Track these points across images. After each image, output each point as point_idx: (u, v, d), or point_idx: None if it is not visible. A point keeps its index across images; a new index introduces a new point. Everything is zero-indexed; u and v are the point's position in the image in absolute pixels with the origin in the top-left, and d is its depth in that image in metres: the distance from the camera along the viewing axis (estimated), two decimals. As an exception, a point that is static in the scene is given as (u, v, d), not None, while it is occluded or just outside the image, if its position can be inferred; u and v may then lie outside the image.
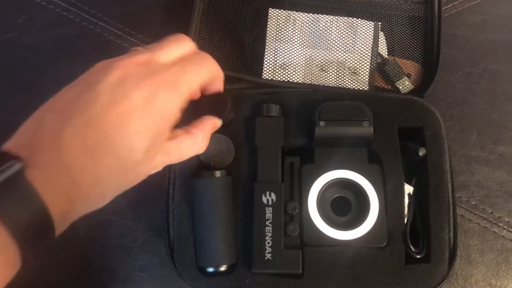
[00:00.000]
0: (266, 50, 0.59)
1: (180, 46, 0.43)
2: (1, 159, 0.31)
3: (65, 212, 0.34)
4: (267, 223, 0.49)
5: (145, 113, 0.37)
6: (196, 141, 0.43)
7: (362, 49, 0.59)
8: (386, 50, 0.60)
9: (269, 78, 0.58)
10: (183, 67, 0.41)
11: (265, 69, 0.58)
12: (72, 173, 0.34)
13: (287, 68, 0.59)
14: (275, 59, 0.59)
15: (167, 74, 0.39)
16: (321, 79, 0.58)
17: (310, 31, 0.60)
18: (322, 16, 0.60)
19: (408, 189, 0.52)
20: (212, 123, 0.46)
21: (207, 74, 0.43)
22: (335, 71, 0.59)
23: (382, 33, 0.60)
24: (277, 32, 0.60)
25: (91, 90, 0.36)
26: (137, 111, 0.37)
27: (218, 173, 0.50)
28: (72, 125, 0.35)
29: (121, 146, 0.36)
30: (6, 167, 0.31)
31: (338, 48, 0.59)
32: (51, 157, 0.34)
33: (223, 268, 0.49)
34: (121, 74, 0.37)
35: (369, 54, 0.59)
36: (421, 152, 0.52)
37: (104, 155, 0.36)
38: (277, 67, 0.59)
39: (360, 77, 0.58)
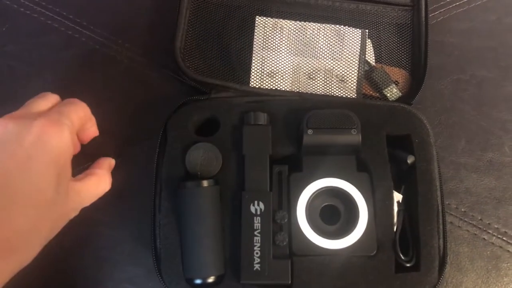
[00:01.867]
0: (253, 58, 0.59)
1: (47, 99, 0.46)
2: None
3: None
4: (255, 233, 0.49)
5: (41, 154, 0.39)
6: (100, 179, 0.48)
7: (349, 56, 0.59)
8: (374, 57, 0.60)
9: (257, 86, 0.58)
10: (58, 108, 0.45)
11: (252, 77, 0.58)
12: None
13: (274, 76, 0.58)
14: (263, 67, 0.58)
15: (48, 116, 0.42)
16: (308, 87, 0.58)
17: (298, 39, 0.60)
18: (309, 24, 0.60)
19: (397, 197, 0.52)
20: (108, 162, 0.51)
21: (81, 111, 0.47)
22: (323, 79, 0.58)
23: (369, 40, 0.60)
24: (265, 40, 0.59)
25: None
26: (32, 154, 0.39)
27: (205, 183, 0.49)
28: None
29: (29, 190, 0.38)
30: None
31: (325, 56, 0.59)
32: None
33: (211, 279, 0.48)
34: (4, 129, 0.40)
35: (356, 61, 0.59)
36: (410, 159, 0.52)
37: (15, 203, 0.37)
38: (265, 75, 0.58)
39: (347, 85, 0.58)
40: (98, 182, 0.48)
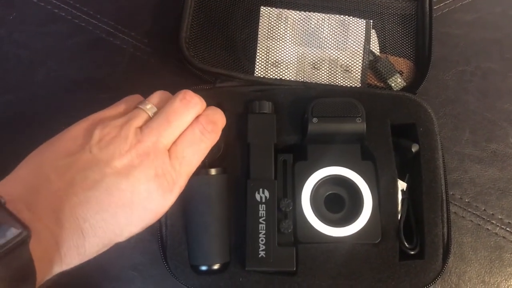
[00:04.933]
0: (258, 48, 0.59)
1: (186, 116, 0.43)
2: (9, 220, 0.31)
3: (44, 277, 0.36)
4: (260, 220, 0.49)
5: (142, 209, 0.39)
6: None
7: (354, 46, 0.59)
8: (378, 47, 0.60)
9: (261, 76, 0.58)
10: (185, 158, 0.42)
11: (257, 67, 0.58)
12: (62, 248, 0.36)
13: (279, 66, 0.58)
14: (267, 57, 0.59)
15: (170, 171, 0.40)
16: (313, 76, 0.58)
17: (302, 29, 0.60)
18: (314, 14, 0.60)
19: (402, 185, 0.52)
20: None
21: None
22: (327, 68, 0.59)
23: (374, 31, 0.60)
24: (269, 30, 0.59)
25: (96, 168, 0.37)
26: (134, 204, 0.38)
27: (213, 171, 0.49)
28: (74, 201, 0.36)
29: (112, 232, 0.38)
30: (14, 235, 0.31)
31: (330, 46, 0.59)
32: (50, 228, 0.35)
33: (216, 266, 0.49)
34: (129, 161, 0.38)
35: (361, 51, 0.59)
36: (414, 148, 0.52)
37: (94, 237, 0.37)
38: (269, 65, 0.58)
39: (352, 75, 0.58)
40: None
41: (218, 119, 0.46)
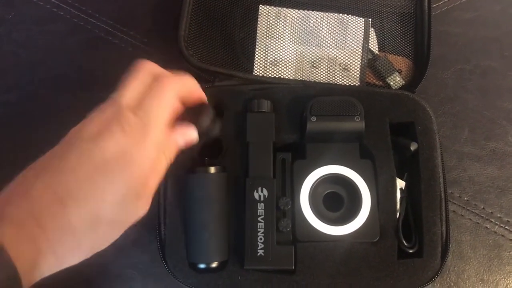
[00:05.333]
0: (257, 46, 0.59)
1: (142, 78, 0.42)
2: None
3: (34, 264, 0.34)
4: (259, 219, 0.49)
5: (118, 168, 0.37)
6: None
7: (353, 45, 0.59)
8: (377, 46, 0.60)
9: (260, 75, 0.58)
10: (148, 107, 0.40)
11: (256, 65, 0.58)
12: (42, 221, 0.34)
13: (278, 64, 0.58)
14: (266, 56, 0.59)
15: (137, 123, 0.39)
16: (312, 75, 0.58)
17: (301, 28, 0.60)
18: (313, 13, 0.60)
19: (400, 184, 0.52)
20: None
21: (178, 93, 0.43)
22: (326, 67, 0.59)
23: (372, 29, 0.60)
24: (268, 29, 0.59)
25: (67, 147, 0.37)
26: (110, 165, 0.37)
27: (212, 169, 0.50)
28: (46, 177, 0.35)
29: (92, 197, 0.36)
30: None
31: (329, 45, 0.59)
32: (22, 207, 0.34)
33: (214, 264, 0.49)
34: (96, 129, 0.38)
35: (359, 50, 0.59)
36: (413, 146, 0.52)
37: (75, 203, 0.36)
38: (268, 64, 0.58)
39: (351, 73, 0.58)
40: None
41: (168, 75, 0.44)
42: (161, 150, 0.40)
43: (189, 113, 0.44)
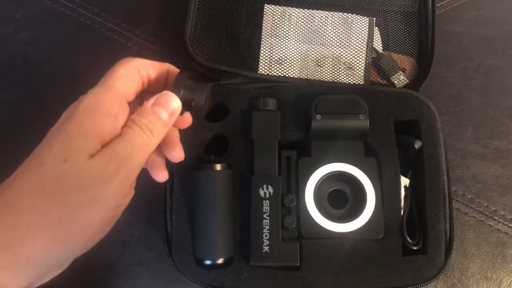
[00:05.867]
0: (262, 45, 0.59)
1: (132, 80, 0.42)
2: None
3: None
4: (264, 216, 0.49)
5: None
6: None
7: (357, 44, 0.60)
8: (381, 45, 0.60)
9: (265, 73, 0.58)
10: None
11: (261, 64, 0.59)
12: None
13: (283, 63, 0.59)
14: (271, 54, 0.59)
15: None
16: (316, 74, 0.59)
17: (306, 27, 0.60)
18: (317, 12, 0.60)
19: (404, 181, 0.53)
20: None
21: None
22: (331, 66, 0.59)
23: (376, 28, 0.61)
24: (273, 28, 0.60)
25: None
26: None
27: (218, 167, 0.50)
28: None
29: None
30: None
31: (333, 43, 0.60)
32: None
33: (220, 261, 0.49)
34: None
35: (364, 49, 0.59)
36: (417, 144, 0.53)
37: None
38: (273, 62, 0.59)
39: (355, 72, 0.59)
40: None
41: None
42: (145, 129, 0.38)
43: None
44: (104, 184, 0.36)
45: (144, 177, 0.56)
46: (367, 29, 0.60)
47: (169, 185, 0.52)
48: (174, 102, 0.41)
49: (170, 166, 0.52)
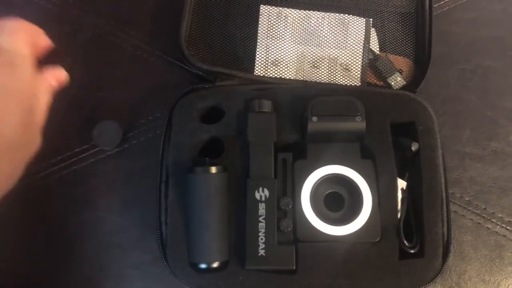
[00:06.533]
0: (258, 46, 0.59)
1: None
2: None
3: None
4: (260, 219, 0.49)
5: (4, 101, 0.38)
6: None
7: (353, 45, 0.59)
8: (378, 46, 0.60)
9: (261, 75, 0.58)
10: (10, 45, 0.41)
11: (257, 65, 0.58)
12: None
13: (279, 64, 0.58)
14: (267, 56, 0.59)
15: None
16: (313, 75, 0.58)
17: (302, 28, 0.60)
18: (314, 13, 0.60)
19: (401, 184, 0.52)
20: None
21: (25, 34, 0.44)
22: (327, 67, 0.59)
23: (373, 29, 0.60)
24: (269, 29, 0.59)
25: None
26: None
27: (213, 169, 0.49)
28: None
29: None
30: None
31: (329, 45, 0.59)
32: None
33: (215, 264, 0.49)
34: None
35: (360, 50, 0.59)
36: (414, 146, 0.52)
37: None
38: (269, 64, 0.58)
39: (352, 73, 0.58)
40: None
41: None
42: (34, 88, 0.41)
43: None
44: None
45: (138, 180, 0.56)
46: (364, 30, 0.60)
47: (164, 188, 0.52)
48: (63, 72, 0.47)
49: (165, 168, 0.52)
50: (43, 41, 0.46)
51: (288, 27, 0.60)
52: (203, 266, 0.49)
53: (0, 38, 0.42)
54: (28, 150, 0.41)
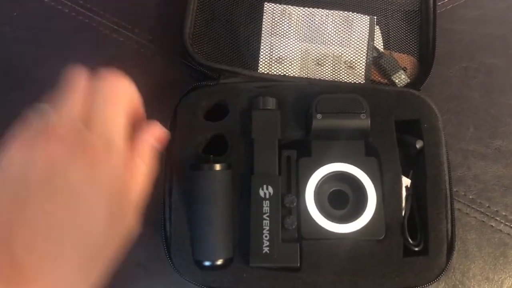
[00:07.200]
0: (262, 44, 0.59)
1: (77, 90, 0.37)
2: None
3: None
4: (264, 216, 0.49)
5: (88, 189, 0.33)
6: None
7: (358, 43, 0.59)
8: (382, 44, 0.60)
9: (265, 72, 0.58)
10: (95, 114, 0.35)
11: (261, 63, 0.58)
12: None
13: (283, 62, 0.58)
14: (271, 53, 0.59)
15: (94, 139, 0.34)
16: (317, 73, 0.58)
17: (306, 25, 0.60)
18: (318, 10, 0.60)
19: (406, 181, 0.52)
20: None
21: (125, 102, 0.38)
22: (331, 65, 0.59)
23: (377, 27, 0.60)
24: (273, 26, 0.59)
25: (22, 188, 0.31)
26: (80, 196, 0.32)
27: (218, 166, 0.49)
28: (18, 234, 0.30)
29: (76, 235, 0.32)
30: None
31: (334, 42, 0.59)
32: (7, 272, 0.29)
33: (219, 262, 0.49)
34: (47, 159, 0.32)
35: (365, 48, 0.59)
36: (418, 144, 0.52)
37: (61, 253, 0.31)
38: (273, 61, 0.58)
39: (356, 71, 0.58)
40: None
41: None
42: (134, 155, 0.36)
43: None
44: None
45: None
46: (368, 28, 0.60)
47: (168, 185, 0.52)
48: (162, 128, 0.41)
49: (169, 166, 0.52)
50: (139, 109, 0.40)
51: (292, 25, 0.60)
52: (207, 263, 0.49)
53: (93, 106, 0.35)
54: (120, 238, 0.36)
